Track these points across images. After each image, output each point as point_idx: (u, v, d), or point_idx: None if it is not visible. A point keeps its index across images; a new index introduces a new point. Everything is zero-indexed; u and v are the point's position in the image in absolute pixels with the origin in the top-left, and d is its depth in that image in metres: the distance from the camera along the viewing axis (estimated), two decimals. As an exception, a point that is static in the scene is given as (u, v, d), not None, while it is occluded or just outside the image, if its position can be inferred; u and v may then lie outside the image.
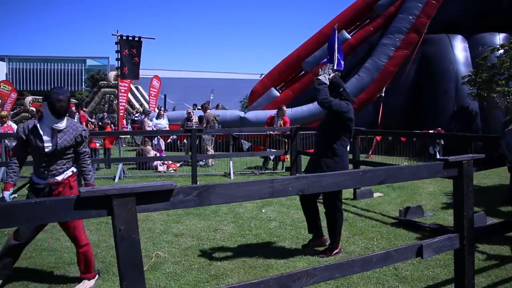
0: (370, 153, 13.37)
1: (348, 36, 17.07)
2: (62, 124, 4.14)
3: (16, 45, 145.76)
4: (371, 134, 12.09)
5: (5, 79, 47.30)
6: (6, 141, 10.81)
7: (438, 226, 6.05)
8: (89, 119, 14.20)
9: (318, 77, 5.02)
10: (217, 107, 21.64)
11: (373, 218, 6.75)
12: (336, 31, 12.74)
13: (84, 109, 20.46)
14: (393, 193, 8.59)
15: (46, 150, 4.07)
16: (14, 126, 11.58)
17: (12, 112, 25.24)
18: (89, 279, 4.35)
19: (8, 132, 10.65)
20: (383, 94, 16.14)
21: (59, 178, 4.22)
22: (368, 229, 6.16)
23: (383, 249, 5.03)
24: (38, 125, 4.09)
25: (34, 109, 25.21)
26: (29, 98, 33.88)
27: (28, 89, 57.21)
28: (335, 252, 5.10)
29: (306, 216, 5.43)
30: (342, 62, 12.94)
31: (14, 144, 4.02)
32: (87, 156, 4.43)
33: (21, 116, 24.24)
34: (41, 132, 4.07)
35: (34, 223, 2.74)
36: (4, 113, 11.58)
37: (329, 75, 5.08)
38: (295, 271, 2.86)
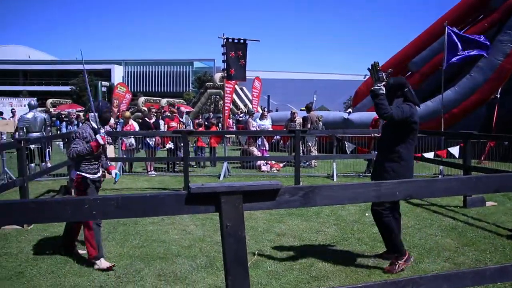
0: (482, 158, 12.53)
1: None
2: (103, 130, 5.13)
3: (132, 50, 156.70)
4: (484, 138, 11.29)
5: (121, 81, 50.89)
6: (125, 138, 11.66)
7: None
8: (181, 119, 14.74)
9: (372, 89, 4.60)
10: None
11: (486, 229, 6.31)
12: (449, 28, 12.10)
13: (180, 107, 21.37)
14: (509, 203, 7.97)
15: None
16: (136, 125, 12.47)
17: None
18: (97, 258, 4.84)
19: (130, 130, 11.45)
20: (498, 95, 14.99)
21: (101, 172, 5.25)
22: (479, 240, 5.78)
23: (498, 263, 4.72)
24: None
25: (146, 109, 26.87)
26: (141, 99, 36.20)
27: (141, 90, 61.27)
28: (404, 259, 4.67)
29: None
30: (478, 51, 12.07)
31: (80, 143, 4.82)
32: None
33: (135, 116, 25.87)
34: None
35: (148, 216, 2.87)
36: (127, 113, 12.48)
37: (382, 81, 4.68)
38: (400, 278, 2.77)
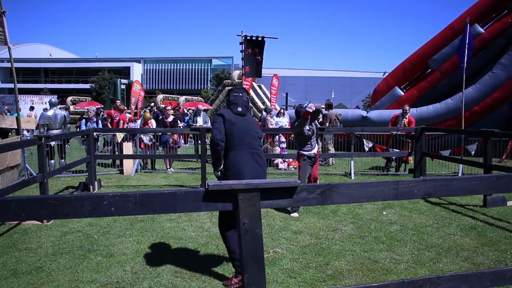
0: (504, 157, 12.34)
1: (482, 30, 15.68)
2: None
3: (150, 48, 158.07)
4: (505, 136, 11.10)
5: (140, 79, 51.30)
6: (143, 136, 11.71)
7: None
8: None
9: None
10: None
11: (506, 229, 6.21)
12: (468, 26, 11.92)
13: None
14: (530, 202, 7.84)
15: None
16: (154, 124, 12.57)
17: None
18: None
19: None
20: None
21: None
22: (500, 240, 5.69)
23: (519, 263, 4.64)
24: None
25: (163, 106, 26.95)
26: (160, 96, 36.40)
27: (160, 88, 61.64)
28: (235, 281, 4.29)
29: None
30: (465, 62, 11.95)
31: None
32: None
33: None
34: None
35: (166, 213, 2.91)
36: (148, 114, 12.57)
37: None
38: (417, 278, 2.73)
